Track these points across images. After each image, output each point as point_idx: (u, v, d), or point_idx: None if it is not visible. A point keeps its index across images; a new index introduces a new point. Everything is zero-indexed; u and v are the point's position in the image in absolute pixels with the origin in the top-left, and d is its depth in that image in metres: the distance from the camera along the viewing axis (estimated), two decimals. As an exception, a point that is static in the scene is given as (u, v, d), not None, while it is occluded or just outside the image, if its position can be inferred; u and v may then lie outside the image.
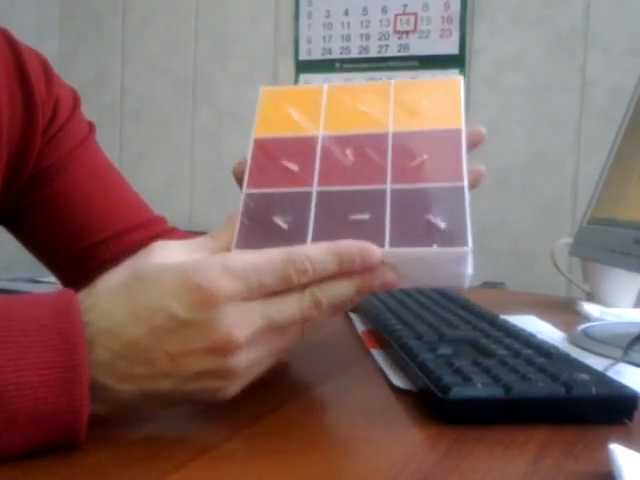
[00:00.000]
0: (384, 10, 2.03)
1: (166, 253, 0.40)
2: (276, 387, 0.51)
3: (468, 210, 0.43)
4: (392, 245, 0.41)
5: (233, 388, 0.40)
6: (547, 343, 0.54)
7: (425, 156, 0.46)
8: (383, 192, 0.44)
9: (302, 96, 0.52)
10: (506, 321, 0.64)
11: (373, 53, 2.05)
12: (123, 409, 0.39)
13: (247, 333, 0.38)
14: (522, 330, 0.60)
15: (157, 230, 0.73)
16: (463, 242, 0.41)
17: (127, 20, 2.44)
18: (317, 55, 2.13)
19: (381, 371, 0.54)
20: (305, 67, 2.14)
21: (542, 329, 0.72)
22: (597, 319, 0.82)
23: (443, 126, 0.47)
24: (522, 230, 1.89)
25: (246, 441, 0.40)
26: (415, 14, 1.99)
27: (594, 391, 0.43)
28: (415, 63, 2.00)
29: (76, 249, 0.68)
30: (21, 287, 1.78)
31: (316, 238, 0.42)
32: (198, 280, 0.37)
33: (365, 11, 2.06)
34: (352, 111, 0.49)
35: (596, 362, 0.52)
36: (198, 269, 0.37)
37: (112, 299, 0.38)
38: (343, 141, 0.48)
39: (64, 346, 0.35)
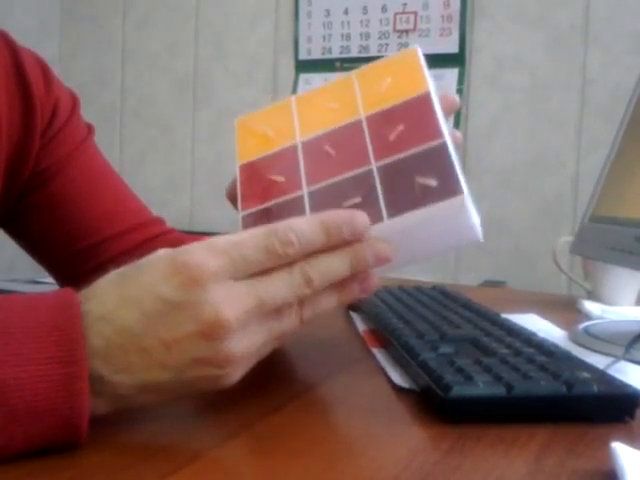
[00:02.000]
0: (384, 9, 2.03)
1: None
2: (277, 387, 0.51)
3: (457, 162, 0.43)
4: (390, 216, 0.42)
5: (233, 375, 0.39)
6: (548, 341, 0.54)
7: (401, 127, 0.46)
8: (370, 172, 0.45)
9: (273, 114, 0.54)
10: (507, 320, 0.64)
11: (373, 52, 2.04)
12: (123, 404, 0.39)
13: (237, 312, 0.37)
14: (523, 329, 0.60)
15: (155, 231, 0.73)
16: (456, 191, 0.42)
17: (127, 20, 2.44)
18: (317, 54, 2.12)
19: (382, 370, 0.54)
20: (305, 66, 2.14)
21: (543, 327, 0.72)
22: (598, 317, 0.82)
23: (410, 95, 0.48)
24: (523, 229, 1.89)
25: (247, 441, 0.40)
26: (415, 13, 1.99)
27: (595, 389, 0.43)
28: (415, 62, 1.99)
29: (75, 250, 0.68)
30: (21, 288, 1.78)
31: None
32: (184, 260, 0.37)
33: (365, 10, 2.05)
34: (323, 111, 0.51)
35: (597, 360, 0.52)
36: (185, 251, 0.38)
37: (106, 287, 0.38)
38: (321, 140, 0.49)
39: (64, 341, 0.35)
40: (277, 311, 0.40)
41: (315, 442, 0.40)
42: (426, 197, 0.42)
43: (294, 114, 0.52)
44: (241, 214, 0.47)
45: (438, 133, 0.45)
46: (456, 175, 0.42)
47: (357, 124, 0.48)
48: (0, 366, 0.34)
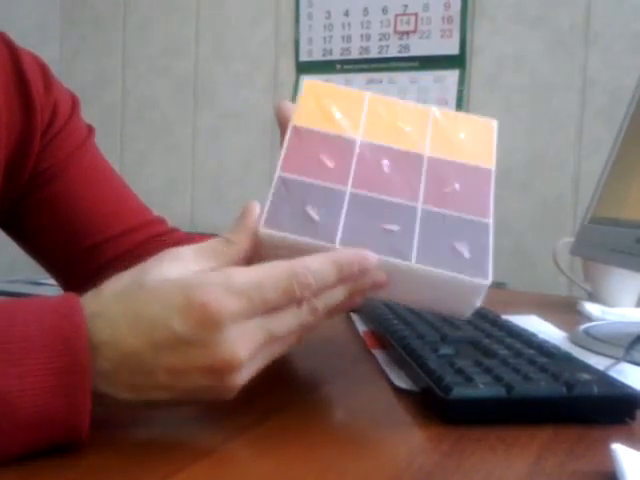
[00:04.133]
0: (385, 10, 2.03)
1: (178, 262, 0.40)
2: (278, 388, 0.51)
3: (492, 247, 0.45)
4: (418, 261, 0.43)
5: (233, 394, 0.40)
6: (549, 343, 0.54)
7: (457, 186, 0.48)
8: (414, 209, 0.46)
9: (344, 97, 0.53)
10: (508, 321, 0.64)
11: (374, 54, 2.05)
12: (121, 409, 0.39)
13: (249, 350, 0.38)
14: (524, 330, 0.60)
15: (157, 230, 0.73)
16: (485, 275, 0.43)
17: (128, 22, 2.44)
18: (318, 56, 2.13)
19: (383, 371, 0.54)
20: (306, 68, 2.14)
21: (544, 329, 0.72)
22: (599, 319, 0.82)
23: (477, 163, 0.49)
24: (523, 230, 1.89)
25: (249, 443, 0.40)
26: (415, 14, 1.99)
27: (596, 391, 0.43)
28: (416, 64, 2.00)
29: (75, 251, 0.68)
30: (22, 289, 1.78)
31: (346, 235, 0.43)
32: (201, 298, 0.36)
33: (366, 12, 2.06)
34: (392, 125, 0.51)
35: (598, 362, 0.52)
36: (202, 286, 0.37)
37: (115, 308, 0.37)
38: (381, 151, 0.49)
39: (67, 351, 0.35)
40: (282, 338, 0.41)
41: (315, 443, 0.40)
42: (456, 264, 0.43)
43: (364, 110, 0.51)
44: (279, 174, 0.46)
45: (488, 212, 0.47)
46: (488, 259, 0.44)
47: (419, 158, 0.49)
48: (3, 377, 0.34)
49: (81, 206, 0.68)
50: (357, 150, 0.48)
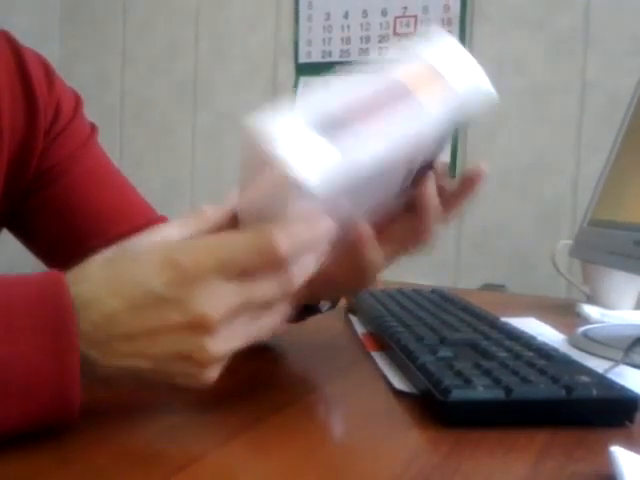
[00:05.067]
0: (384, 12, 2.03)
1: (162, 232, 0.43)
2: (276, 390, 0.51)
3: (313, 103, 0.42)
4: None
5: (210, 376, 0.40)
6: (547, 345, 0.54)
7: None
8: None
9: None
10: (507, 323, 0.64)
11: (373, 56, 2.05)
12: (108, 385, 0.40)
13: (222, 310, 0.38)
14: (523, 332, 0.60)
15: None
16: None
17: (128, 22, 2.44)
18: (317, 58, 2.13)
19: (381, 374, 0.54)
20: (305, 70, 2.14)
21: (542, 331, 0.72)
22: (597, 321, 0.82)
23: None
24: (522, 232, 1.89)
25: (247, 444, 0.40)
26: (415, 16, 1.99)
27: (595, 393, 0.43)
28: (415, 65, 2.00)
29: (80, 250, 0.67)
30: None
31: None
32: (177, 259, 0.38)
33: (365, 14, 2.06)
34: None
35: (596, 364, 0.52)
36: (178, 248, 0.39)
37: (96, 272, 0.39)
38: None
39: (53, 315, 0.36)
40: (260, 309, 0.41)
41: (314, 445, 0.40)
42: None
43: None
44: None
45: None
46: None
47: None
48: None
49: (85, 205, 0.68)
50: None
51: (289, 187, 0.39)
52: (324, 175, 0.40)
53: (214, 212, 0.46)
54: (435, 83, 0.47)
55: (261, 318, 0.41)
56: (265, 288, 0.40)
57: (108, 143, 0.74)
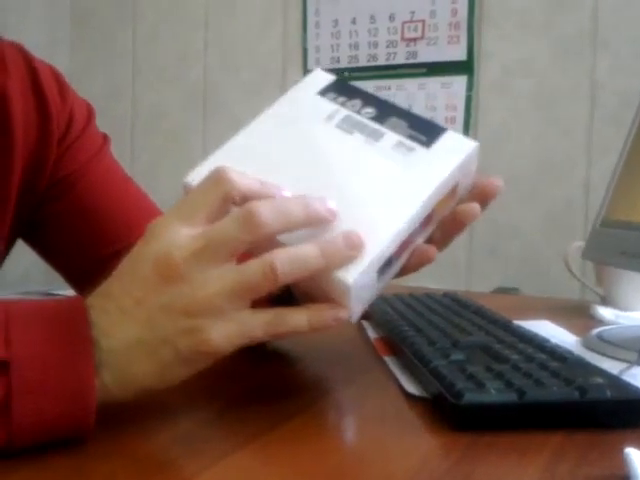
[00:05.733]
0: (391, 18, 2.03)
1: None
2: (289, 395, 0.51)
3: (384, 252, 0.44)
4: None
5: (212, 331, 0.39)
6: (561, 347, 0.54)
7: None
8: None
9: None
10: (519, 326, 0.64)
11: (381, 61, 2.05)
12: (125, 376, 0.40)
13: (184, 249, 0.40)
14: (535, 335, 0.59)
15: None
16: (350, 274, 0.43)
17: (137, 32, 2.46)
18: (325, 64, 2.13)
19: (394, 378, 0.54)
20: (314, 76, 2.15)
21: (556, 334, 0.72)
22: (611, 323, 0.81)
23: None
24: (534, 235, 1.88)
25: (261, 449, 0.40)
26: (423, 21, 1.99)
27: (609, 395, 0.43)
28: (423, 70, 2.00)
29: (94, 258, 0.68)
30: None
31: None
32: (149, 224, 0.42)
33: (373, 19, 2.06)
34: None
35: (611, 366, 0.51)
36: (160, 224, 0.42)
37: (107, 281, 0.42)
38: None
39: (68, 323, 0.39)
40: (232, 256, 0.40)
41: (326, 450, 0.40)
42: None
43: None
44: None
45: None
46: (364, 261, 0.43)
47: None
48: (15, 343, 0.37)
49: (99, 214, 0.68)
50: None
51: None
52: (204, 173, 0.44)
53: None
54: (450, 206, 0.51)
55: (246, 263, 0.40)
56: (225, 224, 0.40)
57: (120, 152, 0.75)
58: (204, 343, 0.39)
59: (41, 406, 0.37)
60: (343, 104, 0.50)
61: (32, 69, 0.66)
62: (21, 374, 0.36)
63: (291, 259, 0.40)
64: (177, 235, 0.40)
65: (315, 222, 0.42)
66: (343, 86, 0.51)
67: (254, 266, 0.40)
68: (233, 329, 0.40)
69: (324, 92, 0.51)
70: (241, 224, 0.40)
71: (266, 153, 0.48)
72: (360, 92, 0.51)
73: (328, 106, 0.50)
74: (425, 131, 0.50)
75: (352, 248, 0.42)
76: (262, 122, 0.50)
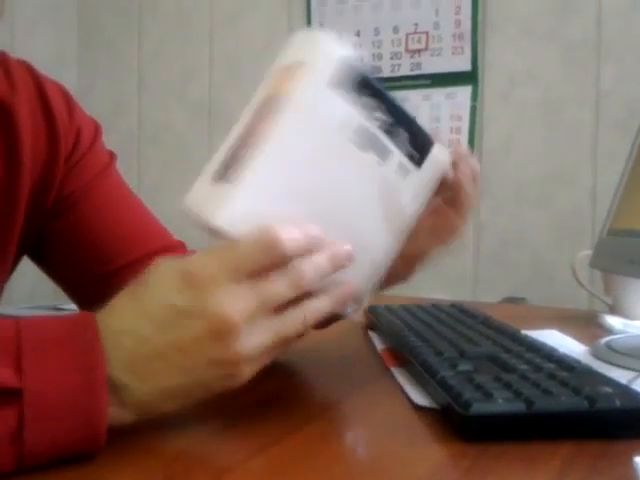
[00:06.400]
0: (395, 30, 2.04)
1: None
2: (298, 406, 0.51)
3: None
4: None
5: (243, 374, 0.42)
6: (569, 357, 0.54)
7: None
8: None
9: None
10: (527, 336, 0.63)
11: (386, 73, 2.06)
12: (147, 412, 0.41)
13: (240, 311, 0.40)
14: (543, 344, 0.59)
15: (179, 255, 0.73)
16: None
17: (143, 48, 2.48)
18: (330, 76, 2.14)
19: (401, 389, 0.54)
20: (319, 88, 2.16)
21: (564, 343, 0.72)
22: (620, 332, 0.81)
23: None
24: (541, 244, 1.87)
25: (269, 460, 0.40)
26: (426, 33, 2.00)
27: (618, 404, 0.42)
28: (428, 81, 2.00)
29: (97, 274, 0.69)
30: (42, 314, 1.79)
31: None
32: (185, 268, 0.41)
33: (377, 31, 2.07)
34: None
35: (620, 375, 0.51)
36: (185, 260, 0.42)
37: (120, 304, 0.42)
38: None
39: (81, 351, 0.38)
40: (279, 310, 0.43)
41: (335, 460, 0.40)
42: None
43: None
44: None
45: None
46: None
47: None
48: (27, 371, 0.37)
49: (103, 231, 0.69)
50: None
51: (216, 235, 0.43)
52: (231, 211, 0.43)
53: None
54: (289, 83, 0.48)
55: (284, 314, 0.43)
56: (276, 285, 0.42)
57: (126, 168, 0.76)
58: (237, 382, 0.42)
59: (53, 434, 0.37)
60: (355, 103, 0.48)
61: (40, 87, 0.67)
62: (34, 403, 0.36)
63: (319, 309, 0.45)
64: (230, 295, 0.40)
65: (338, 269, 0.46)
66: (353, 75, 0.48)
67: (294, 317, 0.44)
68: (263, 362, 0.43)
69: (336, 84, 0.48)
70: (290, 286, 0.43)
71: (289, 185, 0.46)
72: (369, 84, 0.50)
73: (341, 108, 0.48)
74: (420, 147, 0.52)
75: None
76: (280, 139, 0.45)
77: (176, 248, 0.74)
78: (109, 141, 0.75)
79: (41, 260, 0.71)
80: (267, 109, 0.46)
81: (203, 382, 0.41)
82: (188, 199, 0.47)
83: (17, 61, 0.68)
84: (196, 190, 0.47)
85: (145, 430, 0.43)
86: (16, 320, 0.39)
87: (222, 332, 0.40)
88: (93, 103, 2.47)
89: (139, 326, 0.40)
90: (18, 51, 0.69)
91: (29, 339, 0.38)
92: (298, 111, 0.46)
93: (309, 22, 2.17)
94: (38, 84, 0.67)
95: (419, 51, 2.01)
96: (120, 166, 0.74)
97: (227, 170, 0.45)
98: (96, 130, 0.72)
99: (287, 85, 0.47)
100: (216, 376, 0.41)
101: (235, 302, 0.40)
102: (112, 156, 0.73)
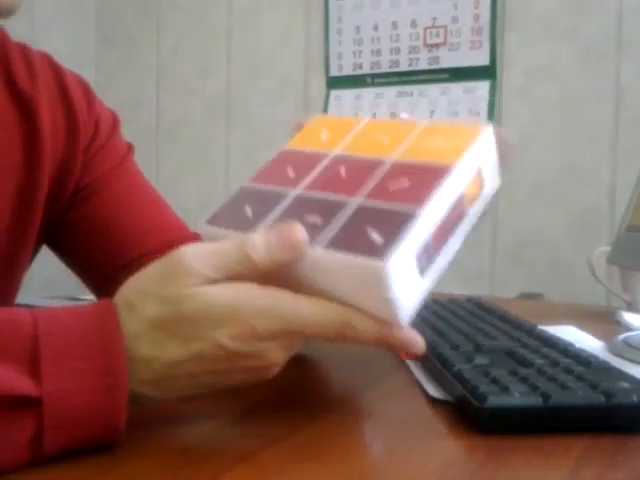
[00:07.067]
0: (413, 24, 2.04)
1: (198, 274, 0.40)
2: (312, 398, 0.51)
3: (415, 238, 0.40)
4: (325, 248, 0.41)
5: (277, 370, 0.42)
6: (586, 352, 0.53)
7: (405, 183, 0.45)
8: (344, 203, 0.44)
9: (344, 124, 0.53)
10: (543, 331, 0.63)
11: (404, 67, 2.05)
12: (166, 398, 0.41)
13: (288, 355, 0.41)
14: (560, 339, 0.59)
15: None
16: (382, 256, 0.38)
17: (161, 44, 2.49)
18: (348, 71, 2.14)
19: (417, 382, 0.54)
20: (336, 83, 2.15)
21: (581, 339, 0.71)
22: (638, 328, 0.80)
23: (437, 162, 0.46)
24: (559, 240, 1.86)
25: (283, 452, 0.40)
26: (445, 27, 1.99)
27: (635, 399, 0.42)
28: (446, 75, 1.99)
29: (114, 265, 0.69)
30: (61, 304, 1.80)
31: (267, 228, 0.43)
32: (247, 319, 0.38)
33: (395, 25, 2.06)
34: (370, 140, 0.50)
35: (637, 371, 0.51)
36: (247, 306, 0.39)
37: (155, 328, 0.39)
38: (343, 160, 0.49)
39: (105, 352, 0.37)
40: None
41: (349, 452, 0.40)
42: (356, 248, 0.40)
43: (353, 131, 0.52)
44: (243, 184, 0.49)
45: (422, 204, 0.42)
46: (397, 246, 0.39)
47: (379, 163, 0.47)
48: (46, 378, 0.36)
49: (120, 222, 0.69)
50: (324, 162, 0.49)
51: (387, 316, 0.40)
52: (414, 307, 0.42)
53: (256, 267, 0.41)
54: (478, 194, 0.48)
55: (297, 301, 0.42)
56: (318, 320, 0.40)
57: (145, 162, 0.76)
58: (267, 376, 0.42)
59: (72, 440, 0.37)
60: None
61: (60, 79, 0.68)
62: (53, 410, 0.36)
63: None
64: (283, 346, 0.40)
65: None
66: None
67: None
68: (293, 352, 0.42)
69: None
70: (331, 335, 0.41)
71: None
72: None
73: None
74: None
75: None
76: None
77: (191, 240, 0.75)
78: (128, 135, 0.75)
79: (59, 250, 0.72)
80: (457, 217, 0.45)
81: (231, 384, 0.41)
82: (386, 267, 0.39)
83: (38, 53, 0.68)
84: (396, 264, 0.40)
85: (159, 420, 0.44)
86: (33, 314, 0.38)
87: (265, 368, 0.41)
88: (111, 98, 2.48)
89: (172, 351, 0.38)
90: (37, 46, 0.69)
91: (47, 341, 0.37)
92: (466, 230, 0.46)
93: (327, 16, 2.16)
94: (58, 75, 0.68)
95: (437, 45, 2.00)
96: (138, 160, 0.75)
97: (426, 261, 0.42)
98: (114, 121, 0.73)
99: (471, 204, 0.47)
100: (246, 378, 0.41)
101: (286, 352, 0.41)
102: (130, 147, 0.74)
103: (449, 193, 0.44)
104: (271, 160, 0.50)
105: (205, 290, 0.38)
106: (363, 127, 0.52)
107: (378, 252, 0.39)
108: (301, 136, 0.53)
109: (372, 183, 0.46)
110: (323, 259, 0.40)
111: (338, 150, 0.50)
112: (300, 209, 0.45)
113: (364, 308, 0.40)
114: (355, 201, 0.44)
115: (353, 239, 0.41)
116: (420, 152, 0.48)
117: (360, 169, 0.47)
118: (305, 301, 0.40)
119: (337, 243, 0.41)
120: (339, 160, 0.49)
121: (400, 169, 0.46)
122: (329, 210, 0.44)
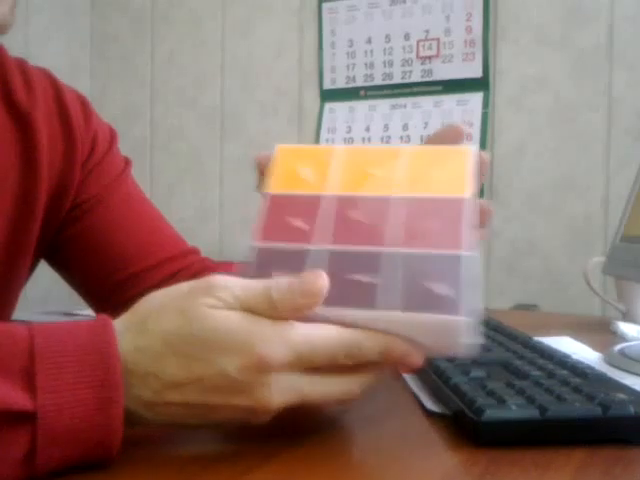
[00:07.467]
0: (406, 37, 2.05)
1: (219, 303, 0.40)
2: (309, 414, 0.51)
3: (467, 278, 0.42)
4: (404, 310, 0.42)
5: (269, 417, 0.40)
6: (582, 363, 0.53)
7: (427, 222, 0.46)
8: (379, 255, 0.45)
9: (315, 155, 0.53)
10: (539, 342, 0.63)
11: (397, 79, 2.06)
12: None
13: (285, 400, 0.39)
14: (556, 351, 0.59)
15: (192, 260, 0.74)
16: (455, 311, 0.41)
17: (155, 56, 2.49)
18: (341, 83, 2.15)
19: (413, 395, 0.53)
20: (330, 96, 2.16)
21: (577, 350, 0.71)
22: (634, 339, 0.81)
23: (448, 194, 0.47)
24: (554, 251, 1.87)
25: (281, 465, 0.40)
26: (437, 39, 2.00)
27: (632, 411, 0.42)
28: (439, 87, 2.00)
29: (114, 280, 0.69)
30: (57, 320, 1.79)
31: None
32: (257, 348, 0.38)
33: (388, 38, 2.08)
34: (360, 173, 0.50)
35: (634, 382, 0.51)
36: (263, 339, 0.38)
37: (160, 344, 0.38)
38: (345, 201, 0.48)
39: (100, 367, 0.37)
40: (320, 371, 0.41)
41: (346, 467, 0.40)
42: (426, 304, 0.42)
43: (334, 164, 0.51)
44: (258, 245, 0.47)
45: (459, 243, 0.44)
46: (462, 296, 0.41)
47: (385, 201, 0.48)
48: (41, 392, 0.36)
49: (118, 237, 0.69)
50: (327, 205, 0.48)
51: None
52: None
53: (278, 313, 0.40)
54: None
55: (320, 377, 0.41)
56: (326, 390, 0.41)
57: (139, 174, 0.76)
58: (259, 421, 0.41)
59: (66, 455, 0.37)
60: None
61: (58, 94, 0.68)
62: (47, 425, 0.36)
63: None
64: (285, 383, 0.39)
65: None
66: None
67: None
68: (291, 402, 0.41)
69: None
70: (342, 395, 0.42)
71: None
72: None
73: None
74: None
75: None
76: None
77: (190, 254, 0.75)
78: (122, 147, 0.75)
79: (57, 265, 0.72)
80: None
81: (222, 420, 0.40)
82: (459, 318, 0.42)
83: (36, 68, 0.69)
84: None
85: (154, 436, 0.44)
86: (29, 328, 0.38)
87: (259, 410, 0.39)
88: (106, 110, 2.48)
89: (173, 371, 0.38)
90: (32, 60, 0.70)
91: (43, 355, 0.37)
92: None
93: (320, 29, 2.17)
94: (56, 91, 0.68)
95: (430, 58, 2.01)
96: (134, 171, 0.75)
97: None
98: (112, 136, 0.73)
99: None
100: (238, 417, 0.40)
101: (285, 392, 0.39)
102: (127, 162, 0.74)
103: (469, 222, 0.46)
104: (265, 211, 0.49)
105: (220, 312, 0.38)
106: (343, 157, 0.52)
107: (450, 306, 0.41)
108: (279, 176, 0.52)
109: (396, 227, 0.46)
110: (399, 320, 0.42)
111: (334, 190, 0.49)
112: (339, 266, 0.44)
113: (428, 350, 0.43)
114: (392, 251, 0.45)
115: (411, 296, 0.42)
116: (423, 184, 0.48)
117: (373, 212, 0.47)
118: (311, 326, 0.40)
119: (408, 303, 0.42)
120: (344, 203, 0.48)
121: (410, 205, 0.47)
122: (369, 264, 0.44)
